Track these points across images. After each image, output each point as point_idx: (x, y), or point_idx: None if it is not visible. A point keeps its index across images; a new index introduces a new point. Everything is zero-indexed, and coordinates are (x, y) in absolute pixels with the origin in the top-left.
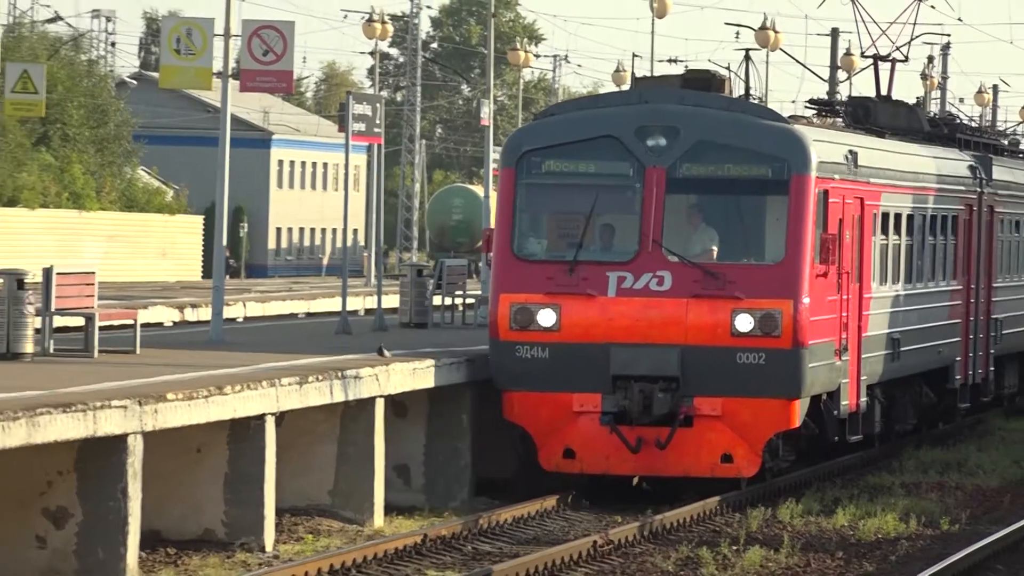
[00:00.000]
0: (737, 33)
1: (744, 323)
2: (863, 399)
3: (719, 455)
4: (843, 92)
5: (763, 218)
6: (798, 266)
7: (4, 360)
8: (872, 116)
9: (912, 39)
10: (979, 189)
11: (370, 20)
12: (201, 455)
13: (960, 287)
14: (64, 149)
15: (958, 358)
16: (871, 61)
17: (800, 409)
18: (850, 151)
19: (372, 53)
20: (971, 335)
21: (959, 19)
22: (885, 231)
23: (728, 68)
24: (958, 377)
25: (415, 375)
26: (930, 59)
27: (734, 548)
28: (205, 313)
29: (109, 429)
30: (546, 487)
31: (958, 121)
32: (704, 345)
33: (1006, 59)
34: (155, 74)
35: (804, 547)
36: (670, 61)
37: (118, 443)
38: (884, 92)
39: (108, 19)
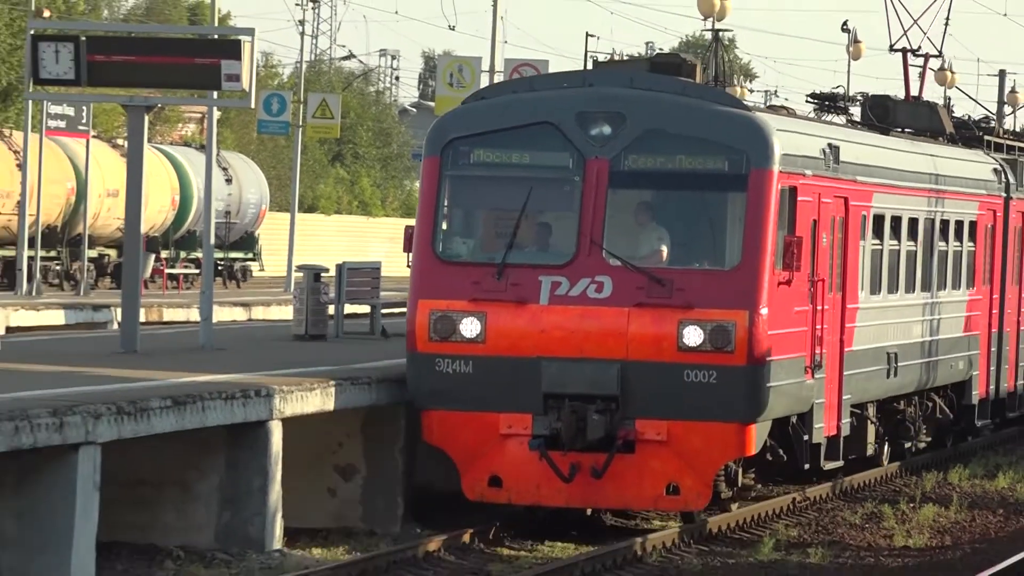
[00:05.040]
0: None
1: (693, 336)
2: (846, 420)
3: (664, 485)
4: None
5: (717, 217)
6: (756, 272)
7: (304, 340)
8: (891, 115)
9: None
10: (1005, 194)
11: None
12: None
13: (981, 297)
14: (355, 165)
15: (976, 372)
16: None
17: (757, 434)
18: (829, 144)
19: None
20: (993, 347)
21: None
22: (879, 235)
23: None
24: (975, 392)
25: None
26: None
27: (911, 505)
28: None
29: (388, 399)
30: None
31: (991, 124)
32: (648, 361)
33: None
34: (431, 103)
35: (970, 505)
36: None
37: (395, 411)
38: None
39: (393, 56)
